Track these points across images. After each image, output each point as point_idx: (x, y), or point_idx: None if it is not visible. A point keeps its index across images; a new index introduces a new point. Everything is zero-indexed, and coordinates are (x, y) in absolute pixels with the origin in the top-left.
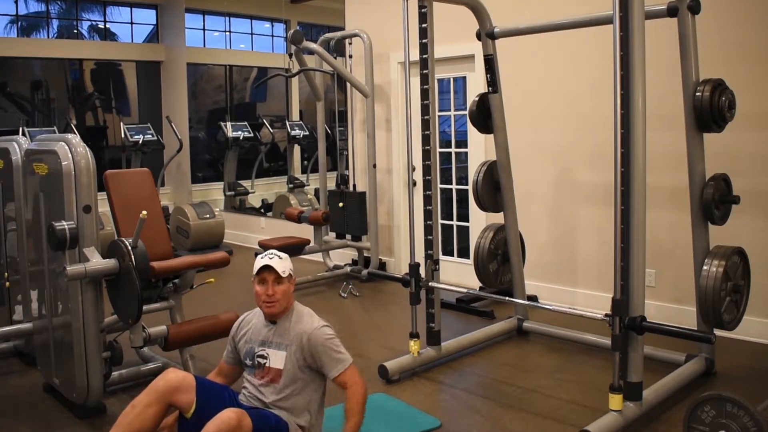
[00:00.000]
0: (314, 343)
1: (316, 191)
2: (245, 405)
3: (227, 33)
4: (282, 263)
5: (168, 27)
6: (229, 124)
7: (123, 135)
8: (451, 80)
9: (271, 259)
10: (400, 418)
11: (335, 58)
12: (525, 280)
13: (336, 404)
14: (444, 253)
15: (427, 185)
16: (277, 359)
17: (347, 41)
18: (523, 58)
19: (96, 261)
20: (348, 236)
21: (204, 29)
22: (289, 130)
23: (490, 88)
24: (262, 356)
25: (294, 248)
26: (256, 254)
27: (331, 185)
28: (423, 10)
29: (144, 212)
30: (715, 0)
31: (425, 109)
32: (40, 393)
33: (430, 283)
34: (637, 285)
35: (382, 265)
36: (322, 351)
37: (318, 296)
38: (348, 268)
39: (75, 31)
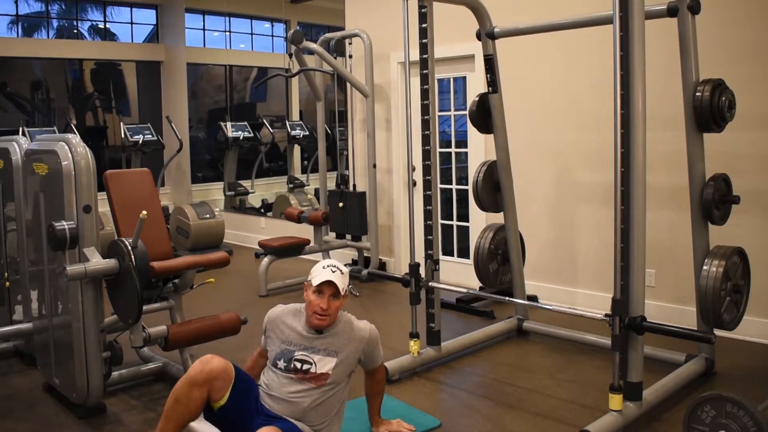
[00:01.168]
0: (373, 344)
1: (316, 191)
2: (267, 410)
3: (227, 33)
4: (343, 279)
5: (168, 27)
6: (229, 124)
7: (123, 135)
8: (451, 80)
9: (333, 272)
10: (400, 417)
11: (335, 58)
12: (525, 280)
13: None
14: (444, 253)
15: (427, 185)
16: (324, 365)
17: (347, 41)
18: (523, 58)
19: (96, 261)
20: (348, 236)
21: (204, 29)
22: (289, 130)
23: (490, 88)
24: (304, 361)
25: (294, 248)
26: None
27: (331, 185)
28: (423, 10)
29: (144, 212)
30: (715, 0)
31: (425, 109)
32: (40, 393)
33: (430, 283)
34: (637, 285)
35: (382, 265)
36: (375, 347)
37: None
38: (348, 268)
39: (75, 31)
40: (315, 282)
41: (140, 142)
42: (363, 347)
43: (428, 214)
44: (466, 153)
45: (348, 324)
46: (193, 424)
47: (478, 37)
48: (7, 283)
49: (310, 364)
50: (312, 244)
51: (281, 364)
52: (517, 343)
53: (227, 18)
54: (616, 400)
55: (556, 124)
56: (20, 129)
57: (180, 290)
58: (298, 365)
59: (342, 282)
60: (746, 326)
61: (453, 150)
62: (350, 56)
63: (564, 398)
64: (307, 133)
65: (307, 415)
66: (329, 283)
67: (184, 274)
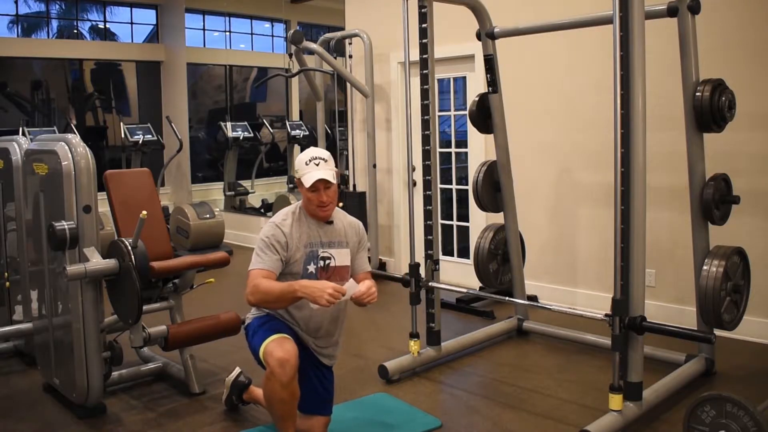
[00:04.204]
0: (364, 237)
1: None
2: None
3: (227, 33)
4: (331, 168)
5: (168, 27)
6: (229, 124)
7: (123, 135)
8: (451, 80)
9: (318, 166)
10: (400, 417)
11: (335, 58)
12: (525, 280)
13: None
14: (444, 253)
15: (427, 185)
16: (342, 257)
17: (347, 41)
18: (523, 58)
19: (96, 261)
20: None
21: (204, 29)
22: (289, 130)
23: (490, 88)
24: (325, 258)
25: None
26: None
27: None
28: (423, 10)
29: (144, 212)
30: (715, 0)
31: (425, 109)
32: (40, 393)
33: (430, 283)
34: (637, 285)
35: (382, 265)
36: (365, 242)
37: None
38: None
39: (75, 31)
40: (307, 183)
41: (140, 142)
42: (358, 238)
43: (428, 214)
44: (466, 153)
45: (338, 212)
46: None
47: (478, 37)
48: (7, 283)
49: (330, 258)
50: None
51: (312, 267)
52: (517, 343)
53: (227, 18)
54: (616, 400)
55: (556, 124)
56: (20, 129)
57: (180, 290)
58: (322, 263)
59: (331, 171)
60: (746, 326)
61: (453, 150)
62: (350, 56)
63: (564, 398)
64: (307, 133)
65: (332, 328)
66: (321, 180)
67: (184, 274)
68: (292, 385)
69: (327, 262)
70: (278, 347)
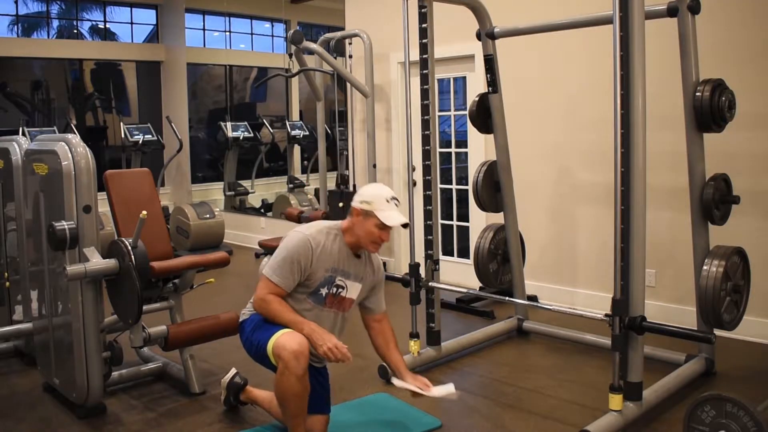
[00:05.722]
0: (383, 277)
1: (316, 191)
2: None
3: (227, 33)
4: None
5: (168, 27)
6: (229, 124)
7: (123, 135)
8: (451, 80)
9: (396, 206)
10: (400, 417)
11: (335, 58)
12: (525, 280)
13: (342, 402)
14: (444, 253)
15: (427, 185)
16: (353, 290)
17: (347, 41)
18: (523, 58)
19: (96, 261)
20: None
21: (204, 29)
22: (289, 130)
23: (490, 88)
24: (339, 286)
25: None
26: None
27: (331, 185)
28: (423, 10)
29: (144, 212)
30: (715, 0)
31: (425, 109)
32: (40, 393)
33: (430, 283)
34: (637, 285)
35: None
36: (383, 281)
37: None
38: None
39: (75, 31)
40: (389, 222)
41: (140, 142)
42: (377, 278)
43: (428, 214)
44: (466, 153)
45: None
46: None
47: (478, 37)
48: (7, 283)
49: (343, 288)
50: None
51: (323, 290)
52: (517, 343)
53: (227, 18)
54: (616, 400)
55: (556, 124)
56: (20, 129)
57: (180, 290)
58: (335, 290)
59: None
60: (746, 326)
61: (453, 150)
62: (350, 56)
63: (564, 398)
64: (307, 133)
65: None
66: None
67: (184, 274)
68: (306, 378)
69: (339, 291)
70: (291, 340)
